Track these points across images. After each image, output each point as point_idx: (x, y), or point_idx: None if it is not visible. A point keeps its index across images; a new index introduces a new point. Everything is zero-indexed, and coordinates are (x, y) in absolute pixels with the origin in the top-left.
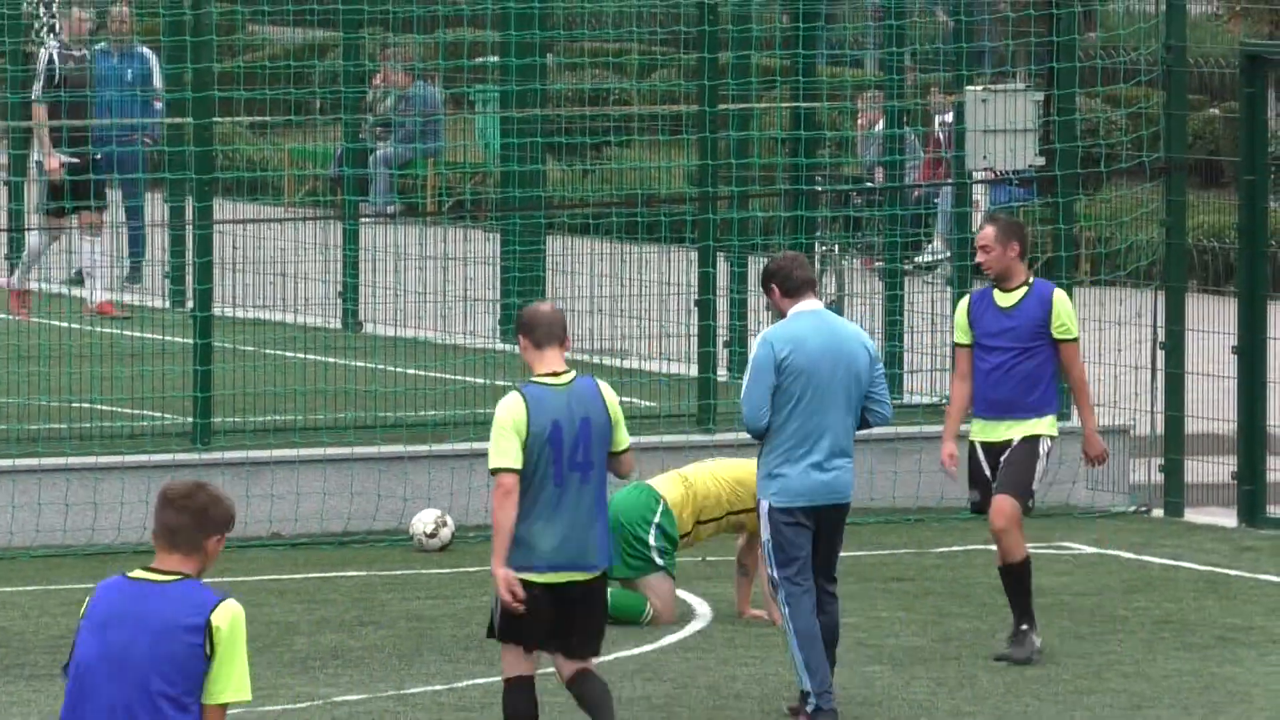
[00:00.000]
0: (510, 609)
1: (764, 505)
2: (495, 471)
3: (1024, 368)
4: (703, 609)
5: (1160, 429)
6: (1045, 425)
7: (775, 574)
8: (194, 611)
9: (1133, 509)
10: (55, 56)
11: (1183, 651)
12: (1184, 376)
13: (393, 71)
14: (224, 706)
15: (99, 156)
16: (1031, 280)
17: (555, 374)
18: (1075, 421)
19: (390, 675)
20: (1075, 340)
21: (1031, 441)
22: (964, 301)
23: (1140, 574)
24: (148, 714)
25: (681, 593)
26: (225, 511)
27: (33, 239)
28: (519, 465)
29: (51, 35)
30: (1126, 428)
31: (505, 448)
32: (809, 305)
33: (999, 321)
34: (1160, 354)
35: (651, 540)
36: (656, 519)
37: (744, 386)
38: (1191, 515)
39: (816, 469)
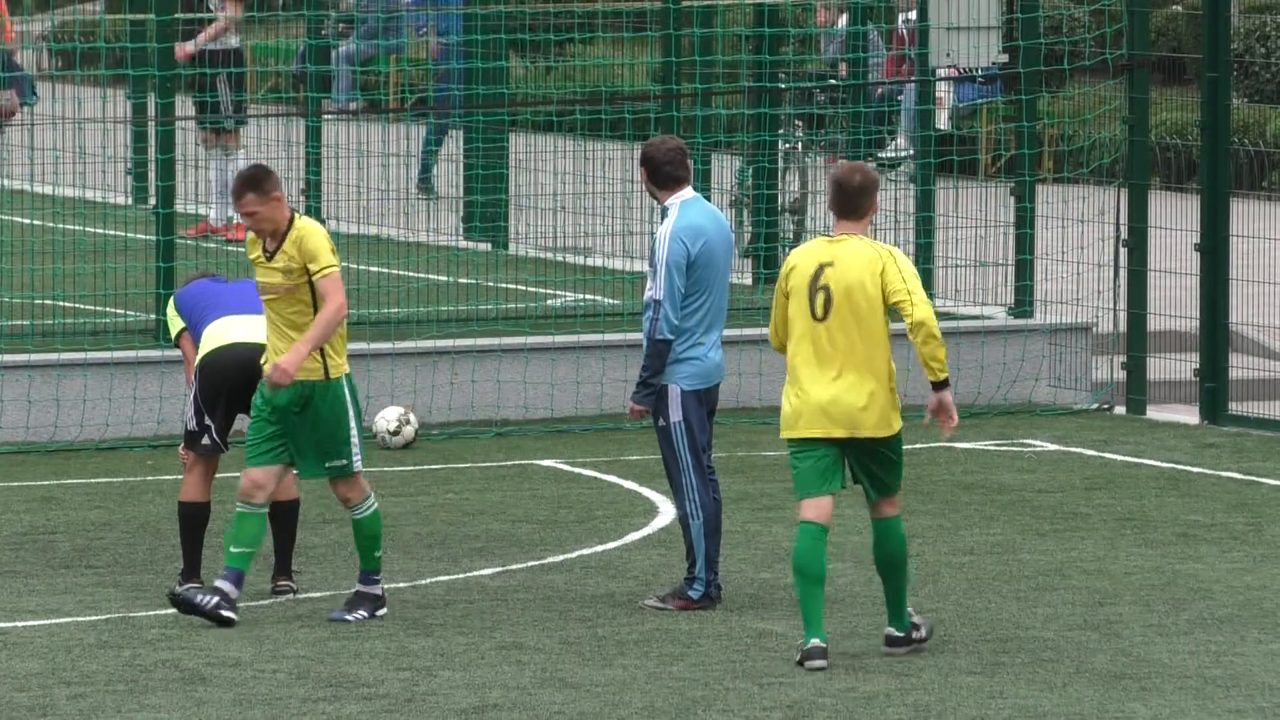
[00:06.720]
0: None
1: (674, 390)
2: None
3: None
4: (666, 506)
5: (1123, 327)
6: None
7: (688, 460)
8: None
9: (1095, 406)
10: None
11: (1144, 548)
12: (1147, 274)
13: None
14: None
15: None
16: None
17: None
18: (1037, 320)
19: (353, 572)
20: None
21: None
22: None
23: (1102, 471)
24: None
25: (645, 490)
26: None
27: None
28: None
29: None
30: (1089, 325)
31: None
32: (688, 193)
33: None
34: (1123, 251)
35: None
36: None
37: (665, 286)
38: (1154, 412)
39: (714, 350)
